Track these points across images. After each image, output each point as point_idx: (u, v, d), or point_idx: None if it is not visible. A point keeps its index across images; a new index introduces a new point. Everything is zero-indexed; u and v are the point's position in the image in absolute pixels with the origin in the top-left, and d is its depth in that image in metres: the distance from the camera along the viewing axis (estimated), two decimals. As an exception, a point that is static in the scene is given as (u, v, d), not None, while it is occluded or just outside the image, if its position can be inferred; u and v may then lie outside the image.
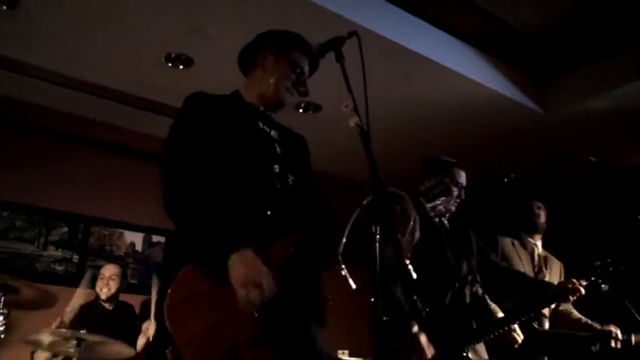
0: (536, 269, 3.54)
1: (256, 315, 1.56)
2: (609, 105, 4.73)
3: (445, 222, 2.98)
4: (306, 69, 2.01)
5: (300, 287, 1.70)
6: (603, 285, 2.91)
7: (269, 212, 1.77)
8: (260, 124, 1.94)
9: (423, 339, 2.53)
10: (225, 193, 1.73)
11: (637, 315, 3.21)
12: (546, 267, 3.58)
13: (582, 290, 2.80)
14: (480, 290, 2.95)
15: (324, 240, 1.76)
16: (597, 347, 3.14)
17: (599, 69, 4.63)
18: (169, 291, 1.58)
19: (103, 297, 4.19)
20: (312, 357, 1.75)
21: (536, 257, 3.60)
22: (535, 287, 2.90)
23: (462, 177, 2.94)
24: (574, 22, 4.29)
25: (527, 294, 2.87)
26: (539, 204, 3.72)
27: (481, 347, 2.77)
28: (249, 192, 1.77)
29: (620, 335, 3.16)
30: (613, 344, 3.12)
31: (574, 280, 2.82)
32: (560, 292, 2.82)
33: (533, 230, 3.66)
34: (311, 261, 1.71)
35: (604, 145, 5.26)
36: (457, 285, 2.81)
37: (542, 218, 3.67)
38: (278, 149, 1.93)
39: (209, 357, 1.55)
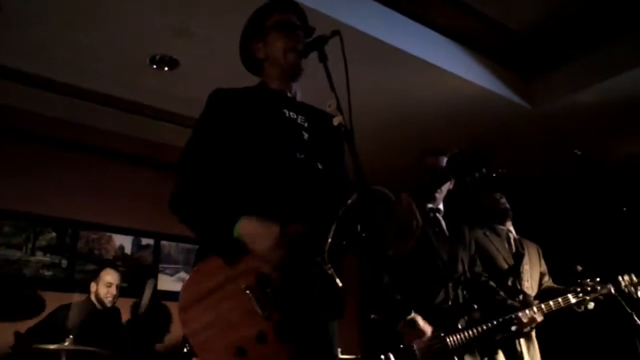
0: (514, 252, 3.62)
1: (265, 311, 1.57)
2: (596, 99, 4.77)
3: (440, 218, 2.98)
4: (293, 19, 1.94)
5: (311, 281, 1.66)
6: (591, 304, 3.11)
7: (287, 204, 1.73)
8: (286, 112, 1.89)
9: (420, 320, 2.54)
10: (240, 188, 1.72)
11: (627, 308, 3.23)
12: (522, 248, 3.67)
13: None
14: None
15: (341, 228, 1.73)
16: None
17: (584, 64, 4.66)
18: (181, 291, 1.61)
19: (108, 304, 4.15)
20: (322, 351, 1.74)
21: (512, 242, 3.68)
22: (502, 310, 2.94)
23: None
24: (558, 17, 4.32)
25: (493, 313, 2.91)
26: (499, 194, 3.84)
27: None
28: (268, 185, 1.74)
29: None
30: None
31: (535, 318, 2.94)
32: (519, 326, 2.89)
33: (504, 218, 3.76)
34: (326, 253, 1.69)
35: (592, 139, 5.30)
36: (450, 285, 2.81)
37: (507, 204, 3.80)
38: (305, 136, 1.88)
39: (220, 357, 1.56)
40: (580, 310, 3.24)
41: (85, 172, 4.99)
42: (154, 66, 4.23)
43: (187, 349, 3.42)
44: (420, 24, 4.32)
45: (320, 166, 1.84)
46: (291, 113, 1.90)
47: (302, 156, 1.82)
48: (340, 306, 1.74)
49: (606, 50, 4.50)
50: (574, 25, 4.38)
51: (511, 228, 3.77)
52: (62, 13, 3.65)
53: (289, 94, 1.95)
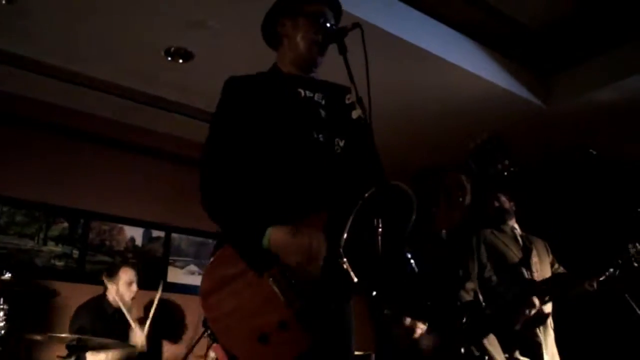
0: (522, 248, 3.67)
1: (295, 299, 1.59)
2: (611, 98, 4.71)
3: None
4: (328, 15, 1.93)
5: (332, 268, 1.66)
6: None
7: (307, 188, 1.74)
8: (302, 92, 1.89)
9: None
10: (262, 178, 1.73)
11: (637, 310, 3.23)
12: (530, 243, 3.72)
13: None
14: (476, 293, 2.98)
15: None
16: None
17: (600, 62, 4.61)
18: (202, 277, 1.63)
19: (129, 302, 4.23)
20: (342, 339, 1.76)
21: (519, 238, 3.72)
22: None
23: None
24: (575, 14, 4.27)
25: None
26: (499, 194, 3.85)
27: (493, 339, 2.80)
28: (286, 170, 1.75)
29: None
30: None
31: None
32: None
33: (506, 217, 3.79)
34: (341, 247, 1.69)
35: (606, 138, 5.24)
36: (453, 288, 2.83)
37: (507, 204, 3.82)
38: (323, 113, 1.88)
39: (243, 343, 1.58)
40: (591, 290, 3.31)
41: (98, 163, 5.02)
42: (169, 58, 4.23)
43: (208, 334, 3.45)
44: (432, 19, 4.27)
45: (340, 144, 1.84)
46: (307, 92, 1.90)
47: (320, 136, 1.82)
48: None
49: (623, 49, 4.44)
50: (591, 23, 4.33)
51: (516, 225, 3.80)
52: (77, 2, 3.65)
53: (302, 75, 1.94)
